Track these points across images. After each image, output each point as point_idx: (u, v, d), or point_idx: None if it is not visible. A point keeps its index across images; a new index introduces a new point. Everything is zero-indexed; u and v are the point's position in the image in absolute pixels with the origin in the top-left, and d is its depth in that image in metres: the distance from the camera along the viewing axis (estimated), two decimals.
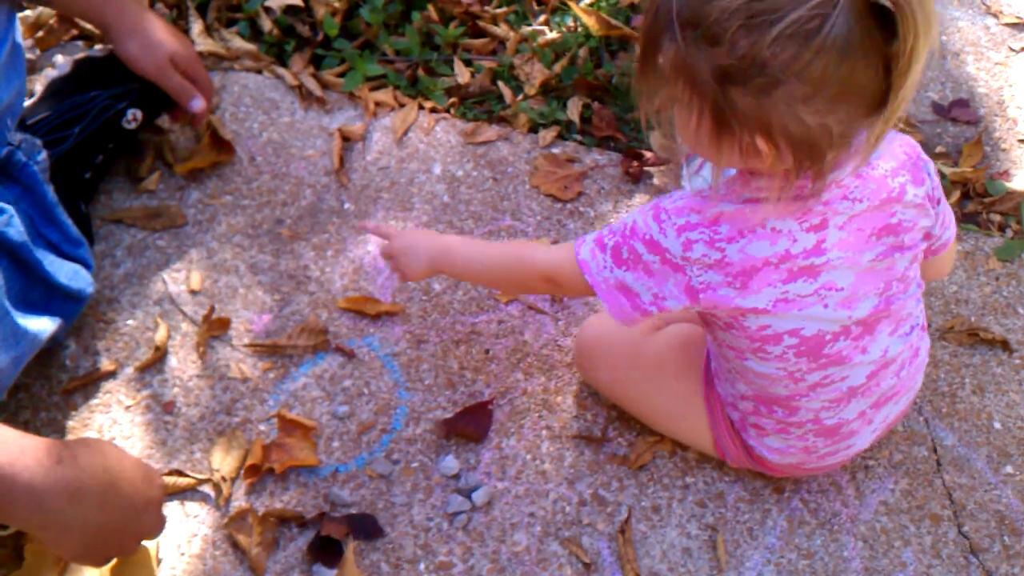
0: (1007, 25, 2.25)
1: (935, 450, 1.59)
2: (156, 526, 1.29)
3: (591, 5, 2.16)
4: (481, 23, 2.10)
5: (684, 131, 1.13)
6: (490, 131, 1.93)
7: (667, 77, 1.09)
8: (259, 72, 1.98)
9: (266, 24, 2.01)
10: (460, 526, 1.47)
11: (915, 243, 1.26)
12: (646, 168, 1.90)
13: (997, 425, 1.62)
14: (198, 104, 1.72)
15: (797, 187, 1.13)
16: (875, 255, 1.23)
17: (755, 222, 1.17)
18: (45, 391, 1.55)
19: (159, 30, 1.67)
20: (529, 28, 2.10)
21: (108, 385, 1.57)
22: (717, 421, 1.46)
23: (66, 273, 1.52)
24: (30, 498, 1.09)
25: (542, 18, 2.13)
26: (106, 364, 1.58)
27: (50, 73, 1.78)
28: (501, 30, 2.09)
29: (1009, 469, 1.57)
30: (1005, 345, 1.71)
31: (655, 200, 1.23)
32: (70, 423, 1.53)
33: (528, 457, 1.54)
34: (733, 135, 1.07)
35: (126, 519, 1.21)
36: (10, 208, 1.43)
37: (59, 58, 1.92)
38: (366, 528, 1.45)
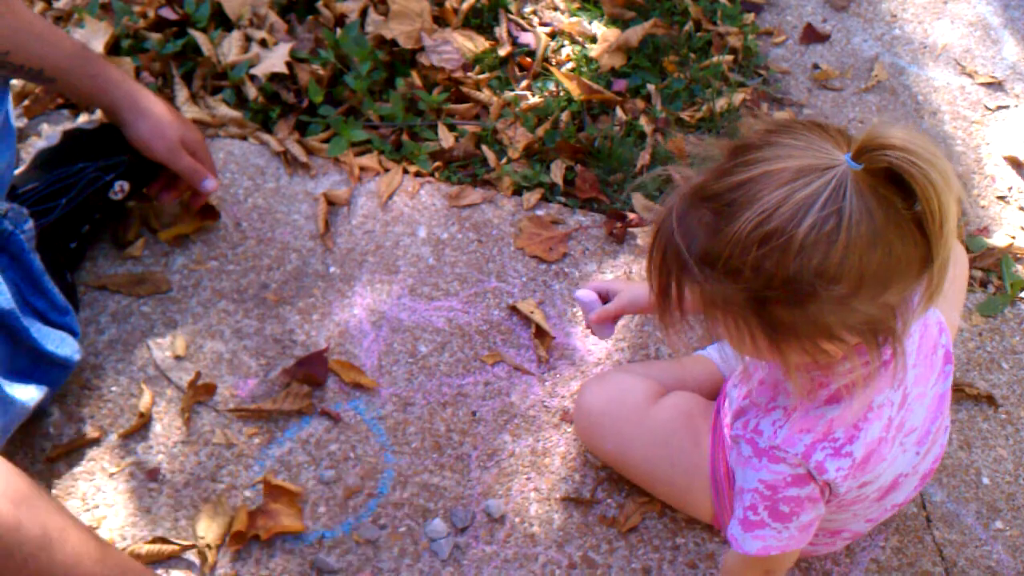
0: (982, 85, 2.29)
1: (924, 506, 1.58)
2: None
3: (572, 70, 2.19)
4: (464, 88, 2.12)
5: (740, 348, 1.08)
6: (474, 194, 1.95)
7: (702, 310, 1.06)
8: (244, 138, 1.99)
9: (251, 91, 2.03)
10: None
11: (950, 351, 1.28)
12: (629, 229, 1.91)
13: (985, 480, 1.62)
14: (210, 184, 1.74)
15: (883, 356, 1.08)
16: (940, 381, 1.25)
17: (862, 411, 1.14)
18: (28, 459, 1.54)
19: (167, 113, 1.69)
20: (512, 93, 2.13)
21: (92, 452, 1.56)
22: (722, 498, 1.45)
23: (53, 341, 1.52)
24: None
25: (524, 83, 2.16)
26: (90, 431, 1.57)
27: (38, 144, 1.79)
28: (484, 95, 2.11)
29: (999, 524, 1.57)
30: (991, 400, 1.71)
31: (748, 449, 1.19)
32: (54, 491, 1.51)
33: (516, 520, 1.53)
34: (792, 343, 1.03)
35: None
36: None
37: (46, 127, 1.93)
38: None
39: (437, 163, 2.00)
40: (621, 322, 1.77)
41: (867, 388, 1.11)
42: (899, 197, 0.95)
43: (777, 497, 1.18)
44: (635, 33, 2.22)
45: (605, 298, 1.50)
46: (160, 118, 1.67)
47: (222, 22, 2.14)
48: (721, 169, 1.01)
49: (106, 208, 1.72)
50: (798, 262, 0.94)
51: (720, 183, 0.99)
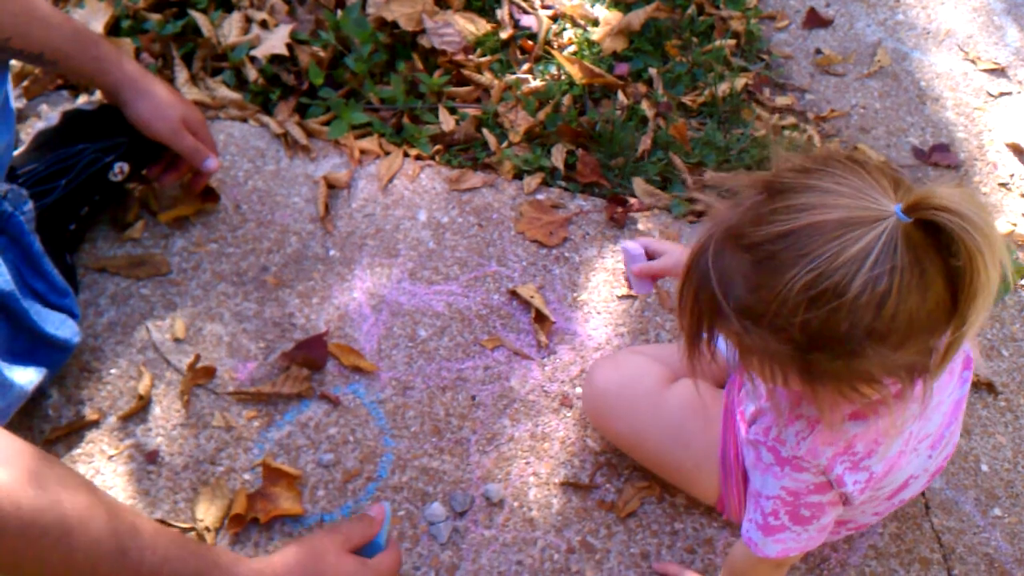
0: (985, 71, 2.28)
1: (923, 493, 1.58)
2: None
3: (574, 54, 2.18)
4: (465, 72, 2.11)
5: (768, 382, 1.05)
6: (475, 178, 1.94)
7: (735, 352, 1.03)
8: (244, 121, 1.98)
9: (251, 73, 2.02)
10: (448, 575, 1.46)
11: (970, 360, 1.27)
12: (630, 214, 1.91)
13: (984, 468, 1.62)
14: (212, 163, 1.74)
15: (915, 389, 1.04)
16: (957, 387, 1.24)
17: (886, 429, 1.12)
18: (27, 441, 1.53)
19: (167, 93, 1.68)
20: (513, 76, 2.12)
21: (91, 435, 1.56)
22: (730, 483, 1.45)
23: (52, 322, 1.51)
24: None
25: (526, 66, 2.15)
26: (89, 413, 1.57)
27: (38, 125, 1.78)
28: (485, 78, 2.11)
29: (997, 512, 1.57)
30: (990, 387, 1.71)
31: (769, 456, 1.18)
32: None
33: (515, 504, 1.53)
34: (829, 386, 1.00)
35: None
36: None
37: (45, 108, 1.92)
38: None
39: (438, 146, 1.99)
40: (621, 307, 1.77)
41: (895, 413, 1.09)
42: (942, 251, 0.92)
43: (799, 503, 1.18)
44: (637, 16, 2.21)
45: (651, 256, 1.48)
46: (161, 98, 1.66)
47: (222, 3, 2.13)
48: (759, 215, 0.96)
49: (105, 190, 1.72)
50: (849, 321, 0.91)
51: (760, 231, 0.95)
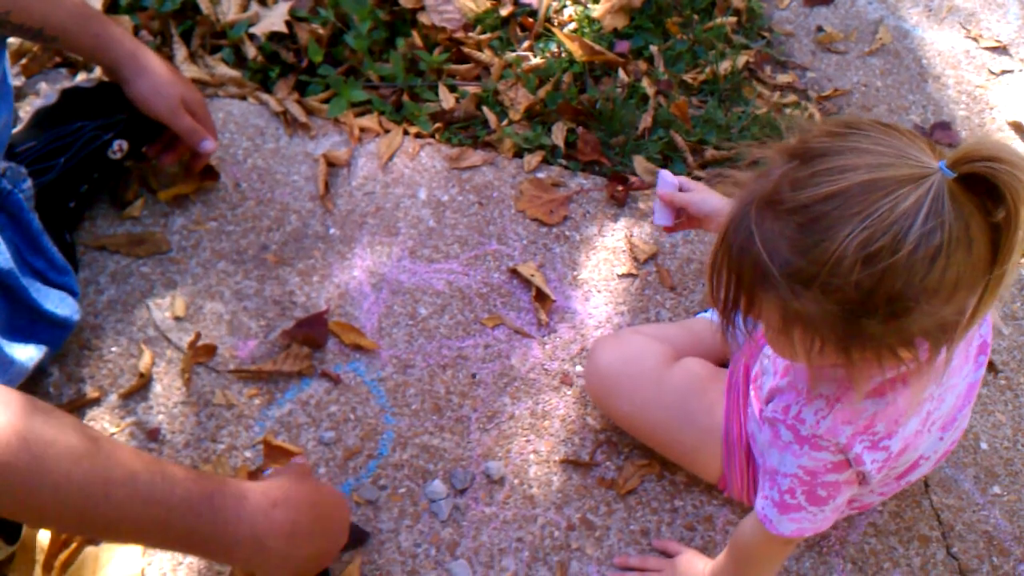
0: (987, 49, 2.27)
1: None
2: (344, 541, 1.40)
3: (575, 31, 2.17)
4: (465, 49, 2.10)
5: (803, 355, 1.03)
6: (475, 156, 1.93)
7: (773, 321, 1.02)
8: (244, 98, 1.98)
9: (250, 51, 2.01)
10: (448, 551, 1.46)
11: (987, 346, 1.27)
12: (631, 192, 1.90)
13: (984, 446, 1.62)
14: (209, 145, 1.73)
15: (938, 356, 1.03)
16: (972, 371, 1.24)
17: (907, 407, 1.12)
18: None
19: (167, 71, 1.68)
20: (513, 54, 2.11)
21: (92, 412, 1.56)
22: (733, 462, 1.45)
23: (52, 300, 1.51)
24: (253, 542, 1.20)
25: (526, 44, 2.14)
26: (90, 391, 1.57)
27: (36, 102, 1.77)
28: (485, 56, 2.10)
29: (996, 489, 1.58)
30: (990, 365, 1.72)
31: (788, 435, 1.17)
32: None
33: (516, 482, 1.54)
34: (869, 352, 0.99)
35: (330, 544, 1.34)
36: None
37: (44, 86, 1.92)
38: (351, 536, 1.44)
39: (438, 124, 1.98)
40: (621, 285, 1.76)
41: (916, 386, 1.10)
42: (981, 207, 0.92)
43: (816, 482, 1.18)
44: None
45: (682, 190, 1.51)
46: (161, 76, 1.66)
47: None
48: (796, 179, 0.95)
49: (105, 167, 1.71)
50: (904, 279, 0.91)
51: (803, 195, 0.94)
